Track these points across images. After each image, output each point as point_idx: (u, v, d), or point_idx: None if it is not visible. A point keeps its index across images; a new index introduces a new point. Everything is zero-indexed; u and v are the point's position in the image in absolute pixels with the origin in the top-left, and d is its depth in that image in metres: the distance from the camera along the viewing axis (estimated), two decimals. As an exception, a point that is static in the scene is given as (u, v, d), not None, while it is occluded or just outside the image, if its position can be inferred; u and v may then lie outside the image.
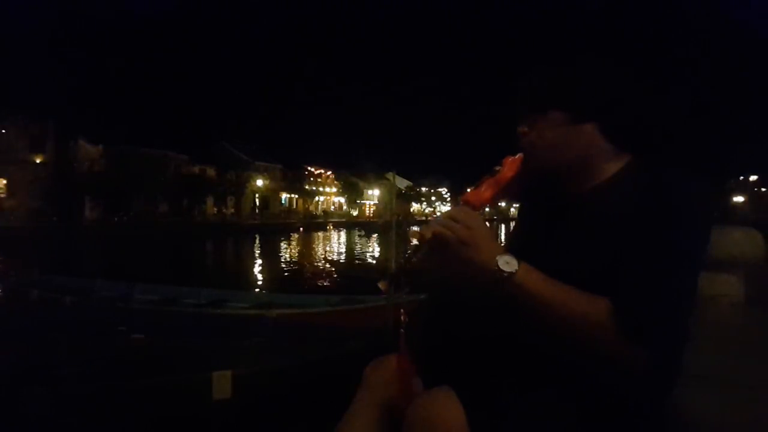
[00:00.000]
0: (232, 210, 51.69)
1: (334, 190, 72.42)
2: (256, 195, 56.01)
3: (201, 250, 25.46)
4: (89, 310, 6.80)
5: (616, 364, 0.89)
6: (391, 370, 1.13)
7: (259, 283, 13.94)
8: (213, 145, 54.84)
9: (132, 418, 2.93)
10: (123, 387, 3.00)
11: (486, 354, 1.08)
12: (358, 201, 76.36)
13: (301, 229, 43.91)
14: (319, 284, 13.39)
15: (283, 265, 18.67)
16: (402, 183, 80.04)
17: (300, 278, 14.84)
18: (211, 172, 48.48)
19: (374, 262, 19.63)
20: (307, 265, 18.34)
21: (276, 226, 42.43)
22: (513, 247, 0.99)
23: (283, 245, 28.69)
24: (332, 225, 51.29)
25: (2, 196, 34.82)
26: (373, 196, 78.19)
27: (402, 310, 1.08)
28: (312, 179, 67.46)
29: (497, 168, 1.08)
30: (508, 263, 0.92)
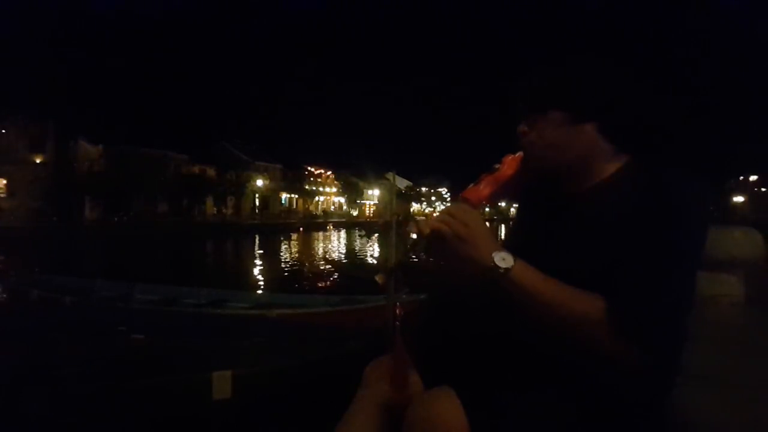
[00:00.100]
0: (232, 210, 51.68)
1: (334, 190, 72.44)
2: (256, 195, 56.03)
3: (201, 250, 25.45)
4: (89, 310, 6.80)
5: (612, 363, 0.89)
6: (391, 369, 1.13)
7: (259, 283, 13.94)
8: (213, 145, 54.87)
9: (132, 418, 2.93)
10: (123, 387, 2.99)
11: (486, 354, 1.08)
12: (358, 201, 76.39)
13: (301, 229, 43.90)
14: (319, 284, 13.39)
15: (283, 266, 18.66)
16: (402, 183, 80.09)
17: (300, 278, 14.84)
18: (211, 172, 48.50)
19: (375, 262, 19.62)
20: (307, 266, 18.33)
21: (276, 226, 42.42)
22: (510, 245, 1.00)
23: (283, 245, 28.68)
24: (332, 225, 51.28)
25: (2, 196, 34.81)
26: (373, 196, 78.20)
27: (398, 304, 1.08)
28: (312, 179, 67.48)
29: (497, 166, 1.08)
30: (504, 259, 0.92)
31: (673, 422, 1.26)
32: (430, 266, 1.04)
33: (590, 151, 1.02)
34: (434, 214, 1.00)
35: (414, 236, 0.99)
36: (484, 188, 1.06)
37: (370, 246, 28.92)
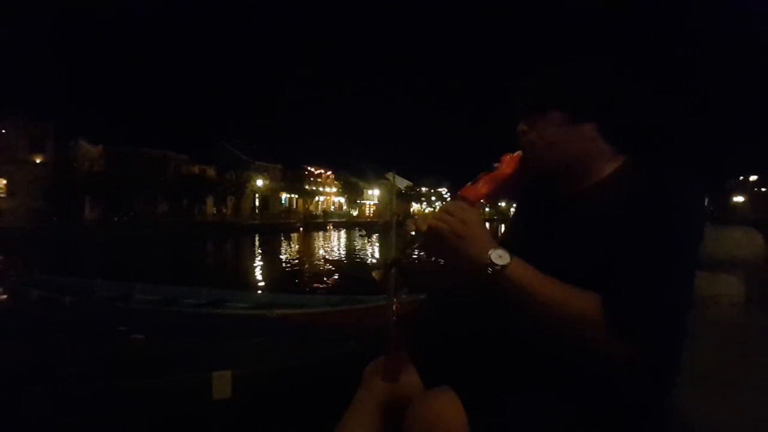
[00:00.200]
0: (232, 210, 51.68)
1: (334, 190, 72.44)
2: (256, 195, 56.02)
3: (201, 250, 25.45)
4: (89, 310, 6.81)
5: (610, 362, 0.89)
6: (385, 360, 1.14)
7: (259, 283, 13.94)
8: (213, 145, 54.87)
9: (132, 418, 2.93)
10: (123, 387, 2.99)
11: (485, 353, 1.08)
12: (358, 201, 76.40)
13: (301, 229, 43.91)
14: (319, 284, 13.39)
15: (283, 265, 18.66)
16: (402, 183, 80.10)
17: (300, 278, 14.84)
18: (211, 172, 48.50)
19: (375, 262, 19.63)
20: (307, 265, 18.33)
21: (276, 226, 42.43)
22: (509, 244, 1.00)
23: (283, 245, 28.68)
24: (332, 225, 51.29)
25: (2, 196, 34.81)
26: (373, 196, 78.21)
27: (394, 300, 1.08)
28: (312, 179, 67.48)
29: (495, 165, 1.08)
30: (500, 257, 0.93)
31: (673, 422, 1.26)
32: (428, 266, 1.04)
33: (589, 151, 1.02)
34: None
35: (412, 233, 0.99)
36: (482, 187, 1.07)
37: (371, 246, 28.93)
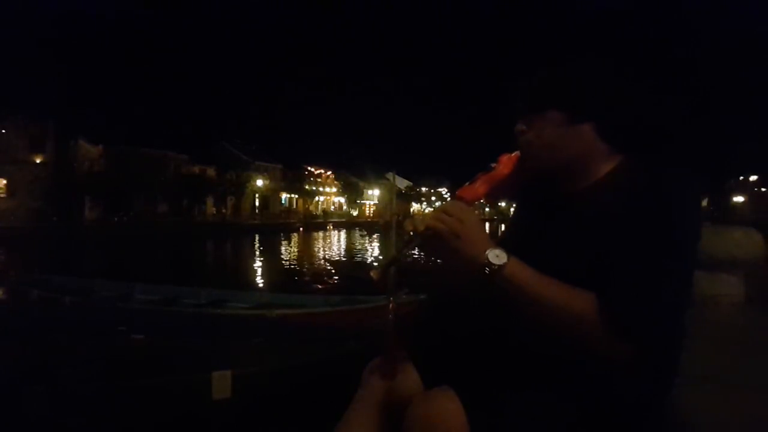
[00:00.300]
0: (232, 210, 51.68)
1: (334, 190, 72.43)
2: (256, 195, 56.02)
3: (201, 250, 25.46)
4: (89, 310, 6.81)
5: (608, 361, 0.89)
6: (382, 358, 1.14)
7: (259, 283, 13.94)
8: (213, 145, 54.87)
9: (132, 418, 2.93)
10: (123, 387, 2.99)
11: (485, 353, 1.08)
12: (358, 201, 76.39)
13: (301, 229, 43.92)
14: (319, 284, 13.39)
15: (283, 266, 18.66)
16: (402, 183, 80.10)
17: (300, 278, 14.84)
18: (211, 172, 48.49)
19: (374, 262, 19.63)
20: (307, 266, 18.34)
21: (276, 226, 42.44)
22: (508, 243, 1.00)
23: (283, 245, 28.69)
24: (332, 225, 51.30)
25: (2, 196, 34.81)
26: (373, 196, 78.22)
27: (391, 299, 1.08)
28: (312, 179, 67.47)
29: (493, 165, 1.08)
30: (498, 256, 0.93)
31: (673, 422, 1.26)
32: (428, 266, 1.05)
33: (587, 151, 1.02)
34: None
35: (410, 233, 1.00)
36: (479, 187, 1.07)
37: (371, 246, 28.92)
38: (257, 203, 56.58)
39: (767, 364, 2.00)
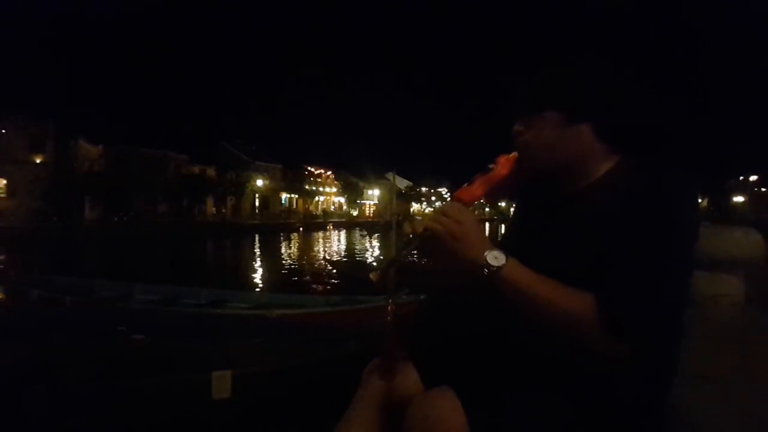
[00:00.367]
0: (232, 210, 51.68)
1: (334, 190, 72.42)
2: (256, 195, 56.02)
3: (201, 250, 25.46)
4: (89, 310, 6.80)
5: (606, 361, 0.89)
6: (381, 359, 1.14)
7: (259, 283, 13.94)
8: (213, 145, 54.87)
9: (132, 418, 2.93)
10: (123, 387, 2.99)
11: (484, 353, 1.08)
12: (358, 201, 76.38)
13: (301, 229, 43.93)
14: (319, 284, 13.39)
15: (283, 266, 18.66)
16: (402, 183, 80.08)
17: (300, 278, 14.84)
18: (211, 172, 48.49)
19: (374, 263, 19.61)
20: (307, 266, 18.33)
21: (276, 226, 42.45)
22: (507, 243, 1.00)
23: (283, 245, 28.68)
24: (332, 225, 51.31)
25: (2, 196, 34.82)
26: (373, 196, 78.21)
27: (390, 301, 1.08)
28: (312, 179, 67.46)
29: (491, 166, 1.09)
30: (496, 258, 0.93)
31: (673, 422, 1.26)
32: (429, 266, 1.05)
33: (585, 151, 1.02)
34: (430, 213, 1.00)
35: (409, 235, 1.00)
36: (477, 188, 1.07)
37: (371, 246, 28.92)
38: (257, 203, 56.58)
39: (767, 364, 2.00)
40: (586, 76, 1.02)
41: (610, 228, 0.92)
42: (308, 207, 65.73)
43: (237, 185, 50.57)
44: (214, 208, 50.10)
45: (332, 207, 71.99)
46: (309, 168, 67.56)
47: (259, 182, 55.01)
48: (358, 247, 28.81)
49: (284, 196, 62.84)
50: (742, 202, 71.03)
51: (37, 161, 35.84)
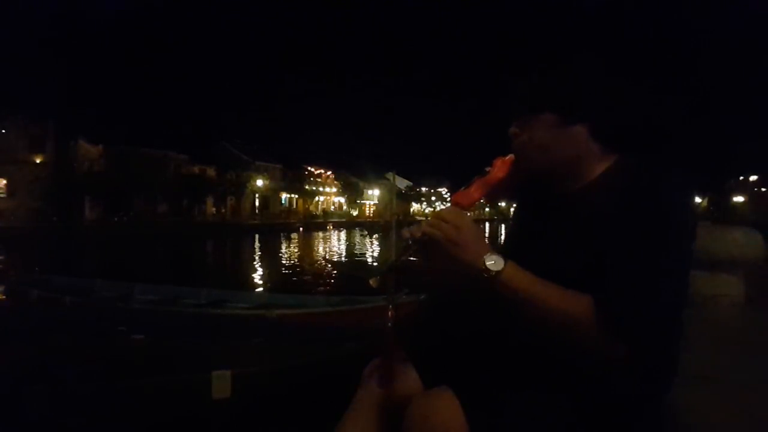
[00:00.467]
0: (231, 210, 51.68)
1: (334, 190, 72.41)
2: (256, 195, 56.02)
3: (201, 250, 25.46)
4: (89, 310, 6.80)
5: (605, 362, 0.89)
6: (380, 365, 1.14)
7: (259, 283, 13.94)
8: (213, 145, 54.83)
9: (132, 418, 2.93)
10: (123, 387, 2.99)
11: (484, 353, 1.09)
12: (358, 201, 76.38)
13: (301, 229, 43.93)
14: (319, 284, 13.39)
15: (283, 266, 18.66)
16: (402, 183, 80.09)
17: (300, 278, 14.84)
18: (211, 172, 48.48)
19: (376, 263, 19.59)
20: (307, 266, 18.33)
21: (276, 226, 42.44)
22: (508, 245, 1.00)
23: (283, 245, 28.69)
24: (332, 225, 51.31)
25: (2, 196, 34.82)
26: (373, 196, 78.21)
27: (390, 307, 1.08)
28: (312, 179, 67.44)
29: (487, 169, 1.09)
30: (494, 262, 0.94)
31: (673, 422, 1.26)
32: (427, 267, 1.05)
33: (581, 152, 1.02)
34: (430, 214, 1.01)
35: (409, 241, 1.00)
36: (474, 192, 1.07)
37: (371, 246, 28.92)
38: (257, 203, 56.58)
39: (767, 364, 2.00)
40: (580, 77, 1.02)
41: (607, 228, 0.92)
42: (308, 207, 65.72)
43: (237, 185, 50.55)
44: (214, 208, 50.10)
45: (332, 207, 71.97)
46: (309, 168, 67.53)
47: (259, 182, 54.99)
48: (358, 247, 28.81)
49: (284, 196, 62.82)
50: (742, 202, 71.03)
51: (37, 161, 35.84)
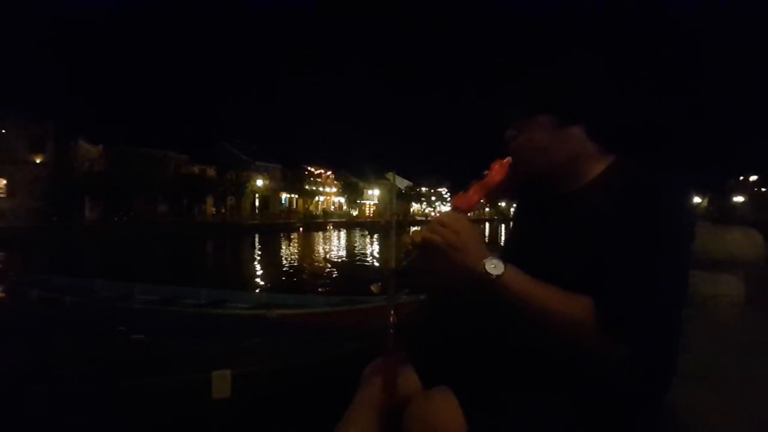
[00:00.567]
0: (231, 210, 51.68)
1: (334, 190, 72.41)
2: (256, 195, 56.02)
3: (201, 250, 25.46)
4: (89, 310, 6.79)
5: (604, 363, 0.89)
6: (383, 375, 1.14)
7: (259, 283, 13.94)
8: (213, 145, 54.87)
9: (132, 418, 2.93)
10: (123, 387, 3.00)
11: (484, 354, 1.09)
12: (358, 201, 76.37)
13: (301, 229, 43.94)
14: (319, 284, 13.39)
15: (283, 266, 18.66)
16: (402, 183, 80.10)
17: (300, 278, 14.84)
18: (211, 172, 48.49)
19: (376, 263, 19.58)
20: (307, 266, 18.33)
21: (276, 226, 42.47)
22: (508, 247, 1.00)
23: (283, 245, 28.68)
24: (332, 225, 51.31)
25: (2, 196, 34.83)
26: (373, 196, 78.20)
27: (392, 312, 1.08)
28: (312, 179, 67.44)
29: (485, 173, 1.09)
30: (495, 266, 0.94)
31: (673, 422, 1.26)
32: (423, 270, 1.05)
33: (578, 153, 1.02)
34: (435, 215, 1.01)
35: (409, 246, 1.00)
36: (473, 195, 1.08)
37: (371, 246, 28.92)
38: (257, 203, 56.59)
39: (767, 364, 2.00)
40: (576, 77, 1.02)
41: (605, 229, 0.92)
42: (308, 207, 65.71)
43: (237, 185, 50.57)
44: (214, 208, 50.10)
45: (332, 207, 71.97)
46: (309, 168, 67.53)
47: (259, 182, 55.01)
48: (358, 247, 28.81)
49: (284, 196, 62.83)
50: (742, 202, 71.02)
51: (37, 161, 35.85)
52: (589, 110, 1.00)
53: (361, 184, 74.43)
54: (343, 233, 41.69)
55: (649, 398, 0.97)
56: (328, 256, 22.37)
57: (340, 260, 20.78)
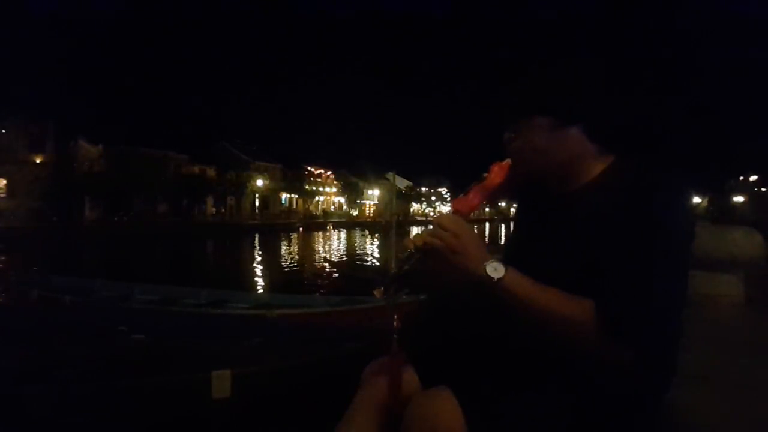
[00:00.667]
0: (231, 210, 51.69)
1: (334, 190, 72.41)
2: (256, 195, 56.02)
3: (201, 250, 25.46)
4: (89, 310, 6.79)
5: (604, 364, 0.89)
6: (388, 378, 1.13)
7: (259, 283, 13.93)
8: (213, 145, 54.89)
9: (132, 418, 2.93)
10: (123, 387, 3.00)
11: (483, 354, 1.09)
12: (358, 201, 76.38)
13: (301, 229, 43.93)
14: (319, 284, 13.39)
15: (283, 266, 18.66)
16: (402, 183, 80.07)
17: (300, 278, 14.84)
18: (211, 172, 48.51)
19: (377, 263, 19.57)
20: (307, 266, 18.33)
21: (276, 226, 42.47)
22: (509, 248, 1.00)
23: (283, 245, 28.68)
24: (332, 225, 51.31)
25: (2, 196, 34.84)
26: (373, 196, 78.21)
27: (396, 316, 1.08)
28: (312, 179, 67.44)
29: (485, 175, 1.09)
30: (495, 269, 0.94)
31: (673, 422, 1.26)
32: (424, 273, 1.05)
33: (577, 153, 1.02)
34: (435, 215, 1.01)
35: (411, 250, 1.00)
36: (473, 198, 1.08)
37: (371, 245, 28.91)
38: (257, 203, 56.59)
39: (767, 364, 2.00)
40: (574, 79, 1.02)
41: (605, 229, 0.92)
42: (308, 207, 65.72)
43: (237, 185, 50.58)
44: (214, 208, 50.12)
45: (332, 207, 71.97)
46: (309, 168, 67.53)
47: (259, 182, 55.00)
48: (358, 248, 28.80)
49: (284, 196, 62.83)
50: (742, 202, 70.96)
51: (37, 161, 35.86)
52: (588, 111, 1.00)
53: (361, 184, 74.45)
54: (343, 233, 41.69)
55: (649, 398, 0.97)
56: (328, 256, 22.36)
57: (340, 260, 20.78)
